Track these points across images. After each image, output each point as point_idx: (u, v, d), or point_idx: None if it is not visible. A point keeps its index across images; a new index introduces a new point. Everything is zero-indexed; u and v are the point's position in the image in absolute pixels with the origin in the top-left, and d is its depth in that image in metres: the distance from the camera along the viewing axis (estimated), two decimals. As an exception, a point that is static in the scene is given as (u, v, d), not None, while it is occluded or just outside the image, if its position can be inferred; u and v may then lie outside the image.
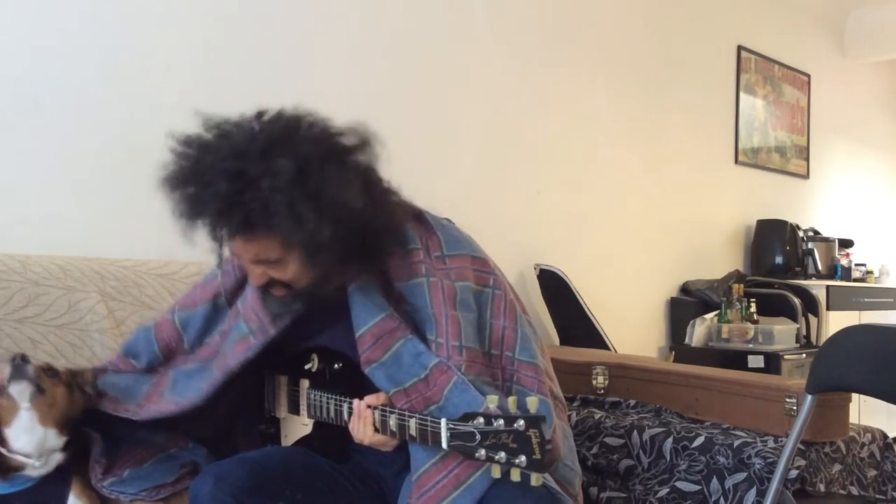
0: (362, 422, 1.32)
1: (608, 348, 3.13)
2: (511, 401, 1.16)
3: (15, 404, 1.36)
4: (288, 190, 1.23)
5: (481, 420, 1.17)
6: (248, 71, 2.43)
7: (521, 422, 1.14)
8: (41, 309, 1.78)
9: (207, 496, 1.28)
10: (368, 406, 1.33)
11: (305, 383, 1.51)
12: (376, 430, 1.31)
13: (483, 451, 1.16)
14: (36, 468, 1.37)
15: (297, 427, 1.53)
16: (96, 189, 2.15)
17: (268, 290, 1.40)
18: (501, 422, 1.15)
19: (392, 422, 1.29)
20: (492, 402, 1.18)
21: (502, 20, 3.21)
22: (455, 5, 3.04)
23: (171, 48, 2.28)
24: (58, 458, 1.39)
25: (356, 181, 1.29)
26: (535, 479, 1.15)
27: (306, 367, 1.51)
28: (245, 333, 1.48)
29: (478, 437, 1.17)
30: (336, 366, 1.47)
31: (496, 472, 1.17)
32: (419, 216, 1.48)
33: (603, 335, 3.17)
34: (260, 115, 1.36)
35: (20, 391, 1.36)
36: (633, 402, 2.32)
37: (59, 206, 2.08)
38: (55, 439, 1.39)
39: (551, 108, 3.38)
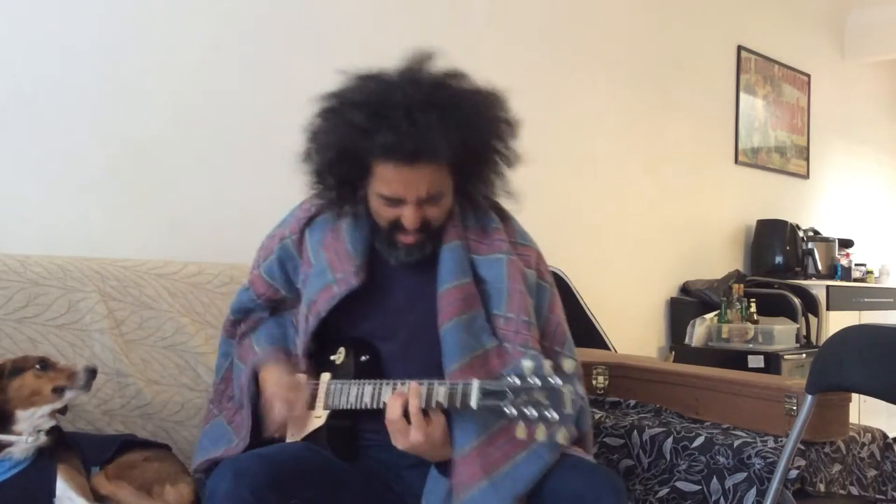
0: (413, 395, 1.30)
1: (608, 348, 3.13)
2: (547, 363, 1.19)
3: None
4: (480, 117, 1.38)
5: (516, 379, 1.19)
6: (249, 71, 2.44)
7: (558, 379, 1.17)
8: (41, 309, 1.78)
9: (226, 492, 1.26)
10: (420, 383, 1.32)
11: (326, 376, 1.50)
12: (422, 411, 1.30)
13: (512, 408, 1.18)
14: (23, 446, 1.38)
15: (310, 420, 1.50)
16: (96, 189, 2.15)
17: (395, 241, 1.44)
18: (537, 379, 1.17)
19: (435, 394, 1.29)
20: (528, 364, 1.20)
21: (502, 21, 3.21)
22: (455, 4, 3.04)
23: (171, 48, 2.28)
24: (43, 439, 1.41)
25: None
26: (563, 437, 1.17)
27: (332, 358, 1.51)
28: (329, 281, 1.49)
29: (509, 394, 1.19)
30: (363, 357, 1.48)
31: (521, 433, 1.18)
32: (495, 205, 1.56)
33: (603, 335, 3.17)
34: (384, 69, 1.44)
35: None
36: (633, 402, 2.32)
37: (59, 206, 2.08)
38: (47, 422, 1.43)
39: (551, 108, 3.37)
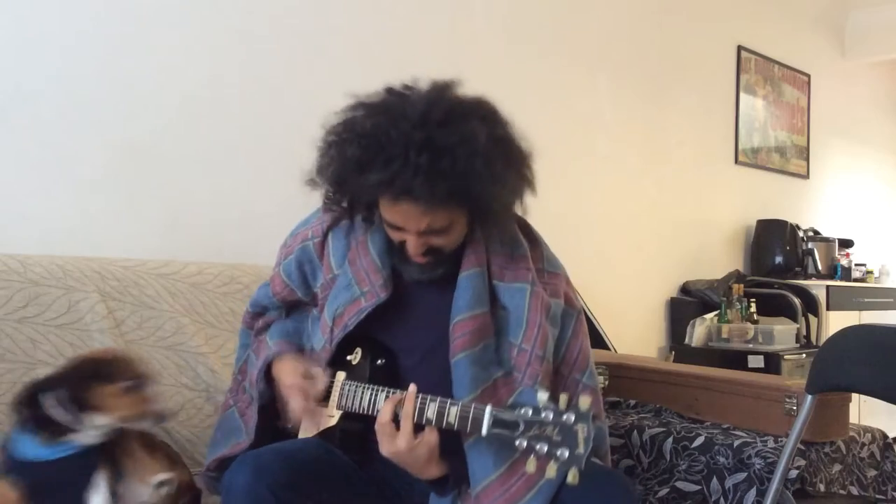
0: (408, 402, 1.30)
1: (608, 348, 3.13)
2: (563, 397, 1.18)
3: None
4: (483, 154, 1.29)
5: (529, 410, 1.18)
6: (250, 71, 2.44)
7: (572, 416, 1.15)
8: (41, 309, 1.78)
9: (245, 487, 1.25)
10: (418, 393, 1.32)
11: (342, 375, 1.49)
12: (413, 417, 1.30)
13: (524, 441, 1.17)
14: (83, 437, 1.43)
15: (323, 418, 1.49)
16: (96, 189, 2.15)
17: (407, 258, 1.42)
18: (550, 414, 1.16)
19: (431, 410, 1.28)
20: (542, 398, 1.19)
21: (502, 21, 3.21)
22: (455, 4, 3.04)
23: (171, 48, 2.28)
24: (95, 435, 1.44)
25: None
26: (572, 476, 1.14)
27: (348, 357, 1.49)
28: (357, 295, 1.47)
29: (521, 426, 1.18)
30: (379, 361, 1.47)
31: (531, 467, 1.17)
32: (525, 226, 1.53)
33: (603, 335, 3.17)
34: (408, 87, 1.39)
35: None
36: (633, 402, 2.32)
37: (59, 206, 2.08)
38: (105, 419, 1.44)
39: (551, 108, 3.38)
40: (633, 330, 3.71)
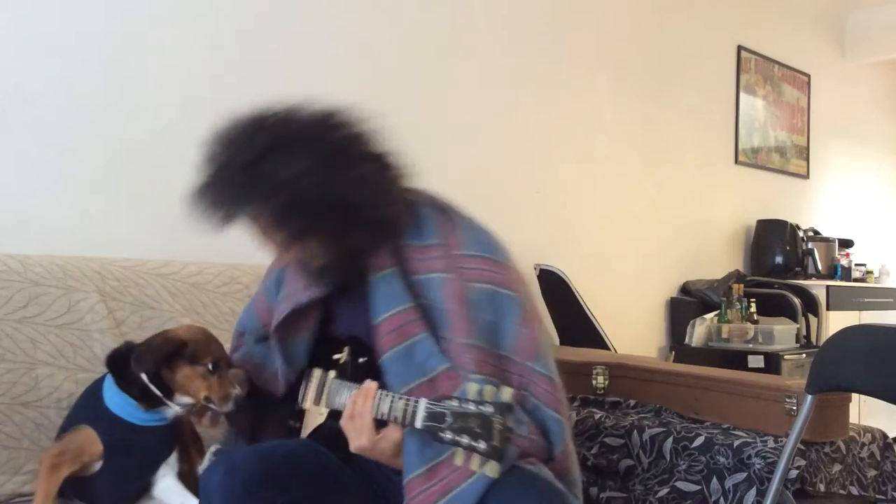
0: (362, 398, 1.32)
1: (608, 348, 3.13)
2: (488, 389, 1.17)
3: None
4: (247, 174, 1.33)
5: (455, 402, 1.18)
6: (250, 70, 2.44)
7: (490, 407, 1.15)
8: (41, 309, 1.78)
9: (218, 485, 1.27)
10: (379, 387, 1.33)
11: (332, 374, 1.50)
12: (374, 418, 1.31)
13: (449, 434, 1.17)
14: (172, 411, 1.54)
15: (314, 417, 1.52)
16: (96, 189, 2.15)
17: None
18: (472, 405, 1.16)
19: (385, 405, 1.29)
20: (472, 388, 1.18)
21: (502, 21, 3.21)
22: (455, 4, 3.04)
23: (172, 48, 2.28)
24: (177, 410, 1.54)
25: (321, 162, 1.34)
26: (491, 470, 1.14)
27: (335, 357, 1.51)
28: (282, 298, 1.52)
29: (448, 418, 1.18)
30: (360, 360, 1.48)
31: (459, 460, 1.17)
32: (445, 210, 1.49)
33: (603, 335, 3.17)
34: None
35: None
36: (633, 402, 2.32)
37: (59, 206, 2.08)
38: (189, 399, 1.53)
39: (551, 108, 3.38)
40: (633, 330, 3.71)
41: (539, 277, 3.24)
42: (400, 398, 1.28)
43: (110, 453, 1.50)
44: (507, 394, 1.17)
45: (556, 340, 3.30)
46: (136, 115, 2.21)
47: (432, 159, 2.94)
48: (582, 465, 2.13)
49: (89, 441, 1.49)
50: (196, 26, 2.33)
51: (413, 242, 1.43)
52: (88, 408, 1.54)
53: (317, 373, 1.56)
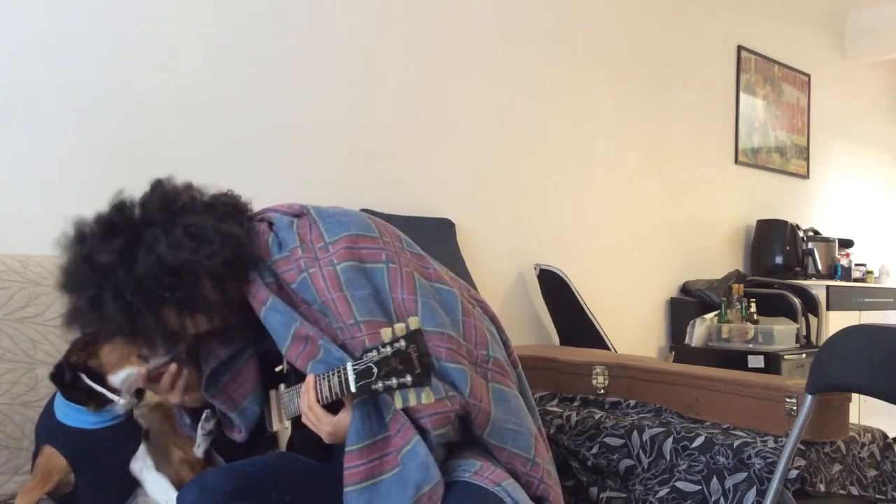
0: (306, 393, 1.34)
1: (608, 348, 3.13)
2: (398, 325, 1.19)
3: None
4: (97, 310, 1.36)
5: (374, 352, 1.19)
6: (249, 70, 2.44)
7: (402, 341, 1.16)
8: (41, 309, 1.78)
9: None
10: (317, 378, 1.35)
11: (281, 387, 1.54)
12: (318, 401, 1.32)
13: (380, 384, 1.18)
14: (121, 405, 1.55)
15: (283, 433, 1.56)
16: (96, 189, 2.14)
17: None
18: (388, 347, 1.17)
19: (326, 388, 1.31)
20: (385, 333, 1.20)
21: (503, 21, 3.21)
22: (456, 4, 3.04)
23: (171, 48, 2.28)
24: (134, 401, 1.57)
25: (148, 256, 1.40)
26: (426, 396, 1.17)
27: (277, 369, 1.55)
28: (203, 359, 1.56)
29: (374, 370, 1.19)
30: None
31: (398, 402, 1.18)
32: (300, 213, 1.50)
33: (603, 335, 3.17)
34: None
35: None
36: (633, 402, 2.32)
37: (59, 206, 2.08)
38: (122, 372, 1.54)
39: (552, 109, 3.38)
40: (633, 330, 3.71)
41: (539, 277, 3.24)
42: (333, 373, 1.28)
43: (76, 464, 1.51)
44: (413, 322, 1.19)
45: (556, 340, 3.30)
46: (136, 115, 2.21)
47: (433, 161, 2.96)
48: (582, 465, 2.14)
49: (52, 459, 1.51)
50: (196, 26, 2.33)
51: (279, 256, 1.45)
52: (45, 428, 1.55)
53: (270, 394, 1.58)
